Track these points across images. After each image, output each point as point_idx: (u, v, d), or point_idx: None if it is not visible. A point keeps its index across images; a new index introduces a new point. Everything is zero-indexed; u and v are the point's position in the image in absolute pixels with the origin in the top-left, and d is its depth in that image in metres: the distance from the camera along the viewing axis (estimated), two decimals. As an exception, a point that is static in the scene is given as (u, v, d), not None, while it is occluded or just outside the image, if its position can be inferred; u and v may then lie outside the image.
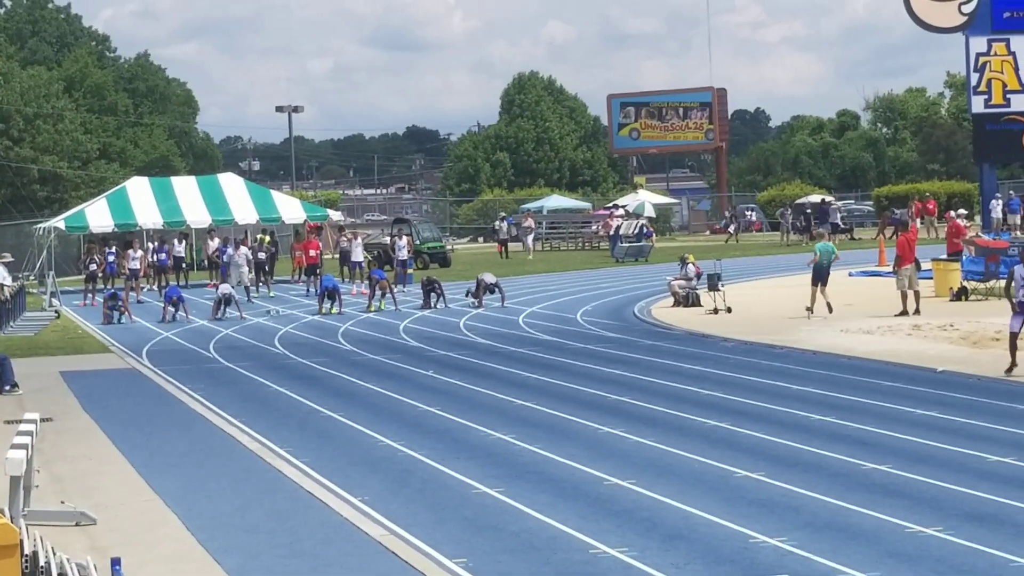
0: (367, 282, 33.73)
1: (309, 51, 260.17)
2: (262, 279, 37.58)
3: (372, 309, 30.84)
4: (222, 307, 30.47)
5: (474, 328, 26.67)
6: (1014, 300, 17.11)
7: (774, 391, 16.58)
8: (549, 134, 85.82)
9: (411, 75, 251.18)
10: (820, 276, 25.72)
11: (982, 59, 44.81)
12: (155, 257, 40.59)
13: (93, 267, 37.51)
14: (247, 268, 36.33)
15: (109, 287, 36.86)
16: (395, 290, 33.25)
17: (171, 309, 30.18)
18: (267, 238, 42.90)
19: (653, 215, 62.37)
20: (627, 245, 49.28)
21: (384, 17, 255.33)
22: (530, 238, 55.52)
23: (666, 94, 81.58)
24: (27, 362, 22.08)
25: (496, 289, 31.32)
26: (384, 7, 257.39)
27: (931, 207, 54.23)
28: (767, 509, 10.25)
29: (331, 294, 31.07)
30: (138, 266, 38.36)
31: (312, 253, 38.51)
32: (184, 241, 43.02)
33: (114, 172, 64.85)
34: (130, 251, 38.72)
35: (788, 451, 12.59)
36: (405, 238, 39.54)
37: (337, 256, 41.90)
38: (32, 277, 41.50)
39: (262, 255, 38.32)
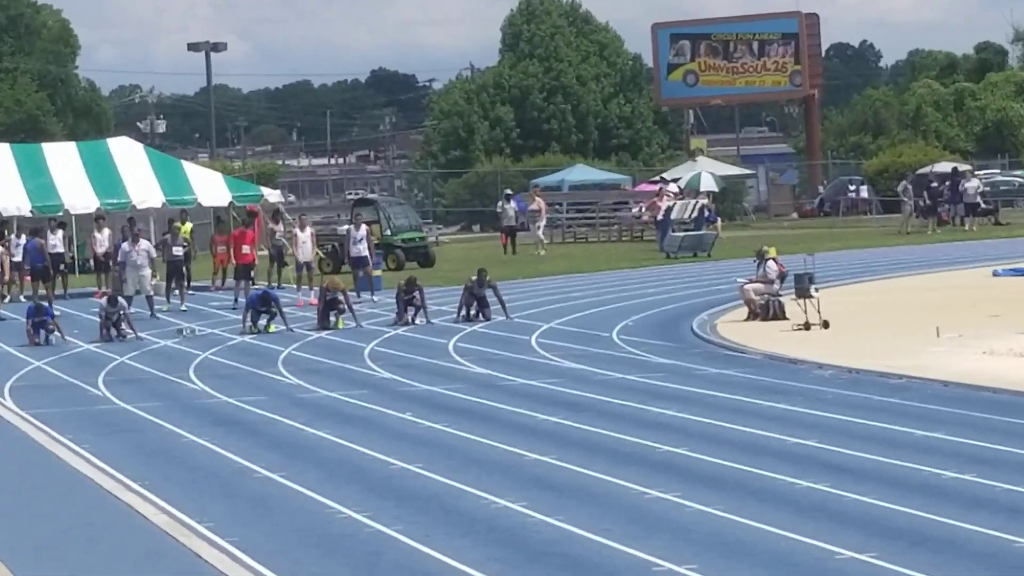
0: (318, 291, 33.70)
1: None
2: (176, 286, 37.45)
3: (329, 327, 30.88)
4: (110, 326, 30.46)
5: (468, 352, 26.61)
6: None
7: (889, 438, 16.53)
8: (566, 80, 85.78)
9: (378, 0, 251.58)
10: None
11: None
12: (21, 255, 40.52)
13: None
14: (150, 270, 36.30)
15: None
16: (356, 300, 33.28)
17: (41, 331, 30.20)
18: (187, 227, 42.79)
19: (715, 189, 62.42)
20: (682, 235, 49.28)
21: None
22: (541, 225, 55.42)
23: (735, 22, 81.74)
24: None
25: (493, 291, 31.31)
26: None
27: None
28: (883, 604, 10.22)
29: (264, 300, 31.02)
30: None
31: (245, 249, 38.41)
32: (61, 232, 43.01)
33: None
34: None
35: (911, 522, 12.55)
36: (365, 227, 39.27)
37: (267, 252, 41.75)
38: None
39: (178, 250, 38.18)
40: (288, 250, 40.38)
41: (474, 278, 31.70)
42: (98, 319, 31.27)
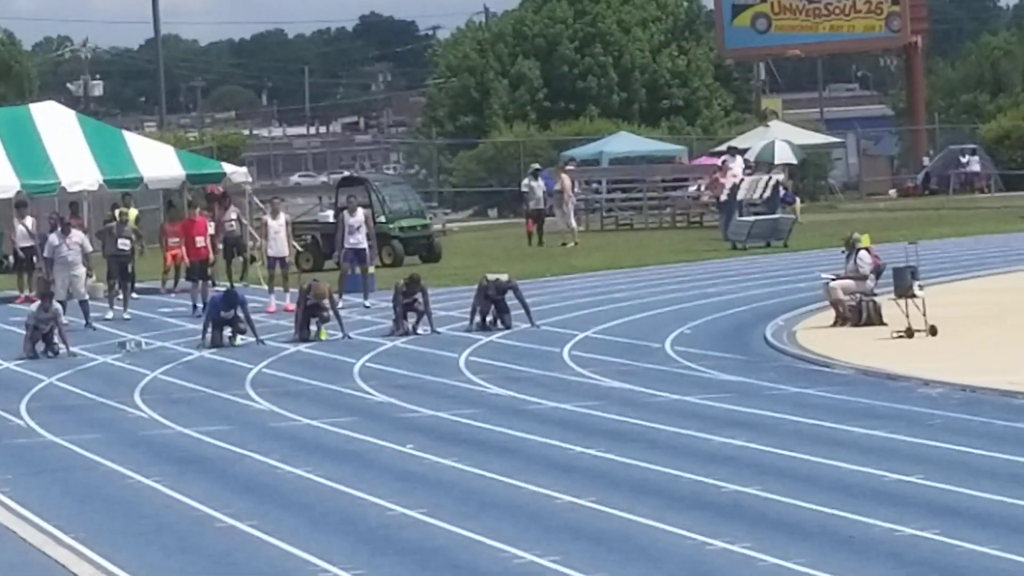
0: (295, 292, 33.74)
1: None
2: (120, 288, 37.56)
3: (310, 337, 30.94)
4: (39, 338, 30.52)
5: (484, 368, 26.67)
6: None
7: (1015, 473, 16.52)
8: (604, 26, 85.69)
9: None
10: None
11: None
12: None
13: None
14: (84, 268, 36.35)
15: None
16: (341, 303, 33.34)
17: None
18: (133, 214, 42.81)
19: (793, 162, 62.31)
20: (751, 219, 49.29)
21: None
22: (570, 208, 55.32)
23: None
24: None
25: (514, 293, 31.33)
26: None
27: None
28: None
29: (228, 302, 30.99)
30: None
31: (199, 242, 38.44)
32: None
33: None
34: None
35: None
36: (362, 211, 39.30)
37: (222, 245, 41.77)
38: None
39: (124, 243, 38.22)
40: (252, 241, 40.35)
41: (491, 277, 31.66)
42: (24, 330, 31.33)
